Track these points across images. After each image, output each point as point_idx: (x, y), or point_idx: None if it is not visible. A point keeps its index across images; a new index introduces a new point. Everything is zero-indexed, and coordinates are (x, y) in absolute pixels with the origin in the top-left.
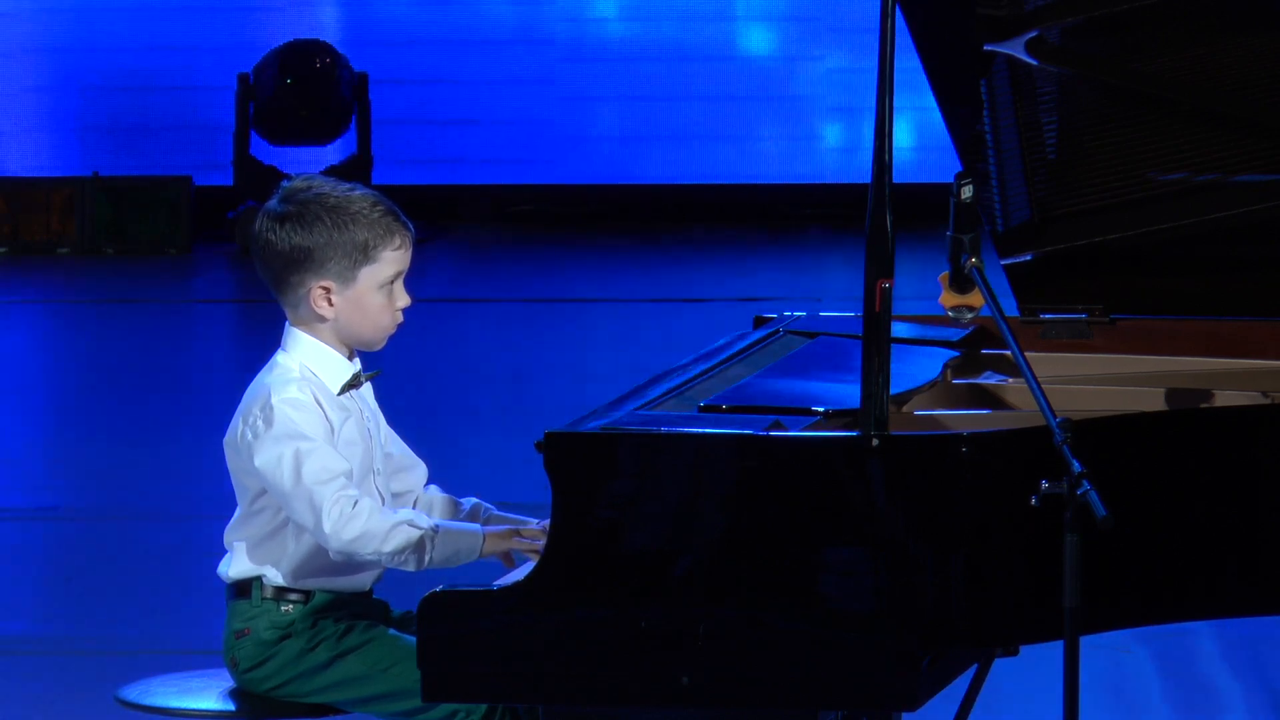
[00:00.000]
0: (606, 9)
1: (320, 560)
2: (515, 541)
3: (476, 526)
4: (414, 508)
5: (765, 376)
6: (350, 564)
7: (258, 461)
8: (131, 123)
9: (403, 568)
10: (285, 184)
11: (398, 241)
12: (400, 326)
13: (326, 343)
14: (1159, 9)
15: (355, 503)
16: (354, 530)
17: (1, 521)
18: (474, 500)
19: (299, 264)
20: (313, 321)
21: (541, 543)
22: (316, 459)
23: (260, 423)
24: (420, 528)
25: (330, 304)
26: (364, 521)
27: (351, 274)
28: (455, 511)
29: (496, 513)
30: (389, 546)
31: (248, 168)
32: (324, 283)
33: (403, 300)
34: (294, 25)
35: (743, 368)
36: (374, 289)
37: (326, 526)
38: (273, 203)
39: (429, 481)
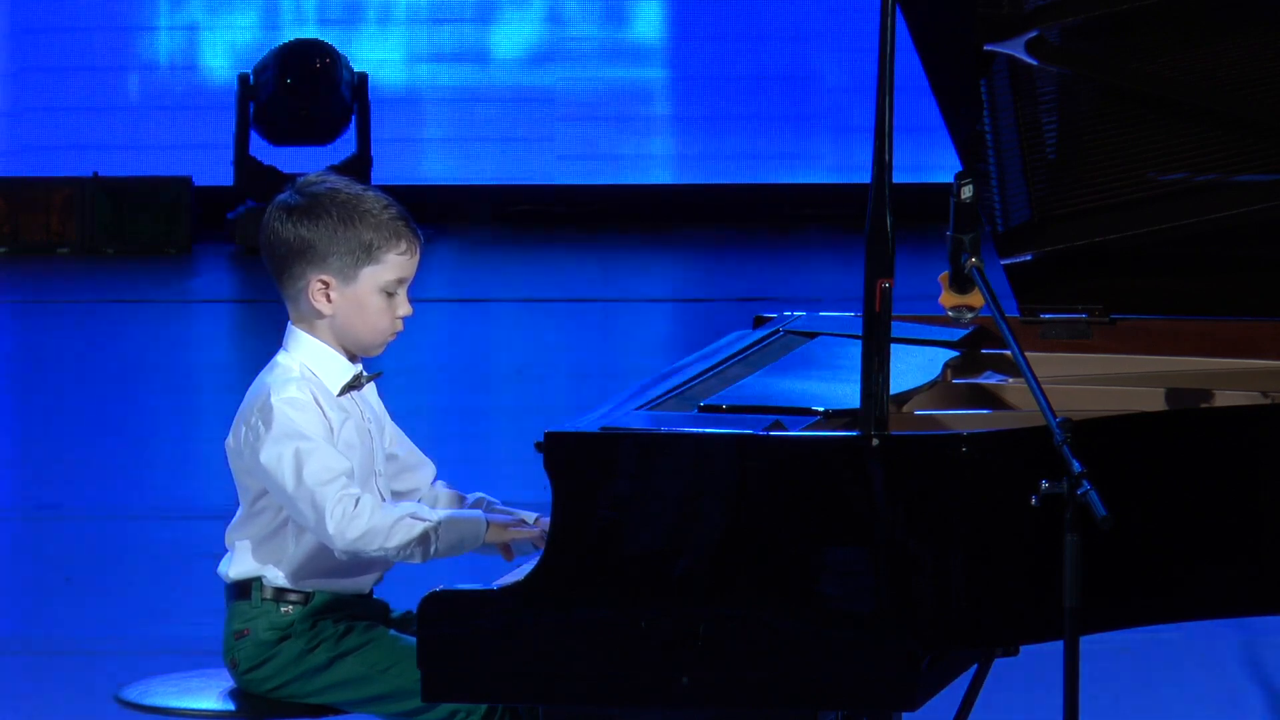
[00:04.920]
0: (606, 8)
1: (321, 561)
2: (515, 531)
3: (479, 513)
4: (419, 503)
5: (765, 376)
6: (352, 564)
7: (261, 459)
8: (131, 122)
9: (409, 561)
10: (300, 177)
11: (403, 246)
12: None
13: (327, 343)
14: (1159, 9)
15: (357, 501)
16: (357, 529)
17: (1, 521)
18: (478, 495)
19: (301, 255)
20: (312, 319)
21: (541, 529)
22: (317, 459)
23: (260, 423)
24: (423, 520)
25: (329, 300)
26: (367, 520)
27: (353, 272)
28: (460, 506)
29: (500, 505)
30: (393, 542)
31: (248, 168)
32: (323, 277)
33: (404, 309)
34: (294, 25)
35: (743, 368)
36: (374, 290)
37: (330, 527)
38: (284, 194)
39: (436, 479)
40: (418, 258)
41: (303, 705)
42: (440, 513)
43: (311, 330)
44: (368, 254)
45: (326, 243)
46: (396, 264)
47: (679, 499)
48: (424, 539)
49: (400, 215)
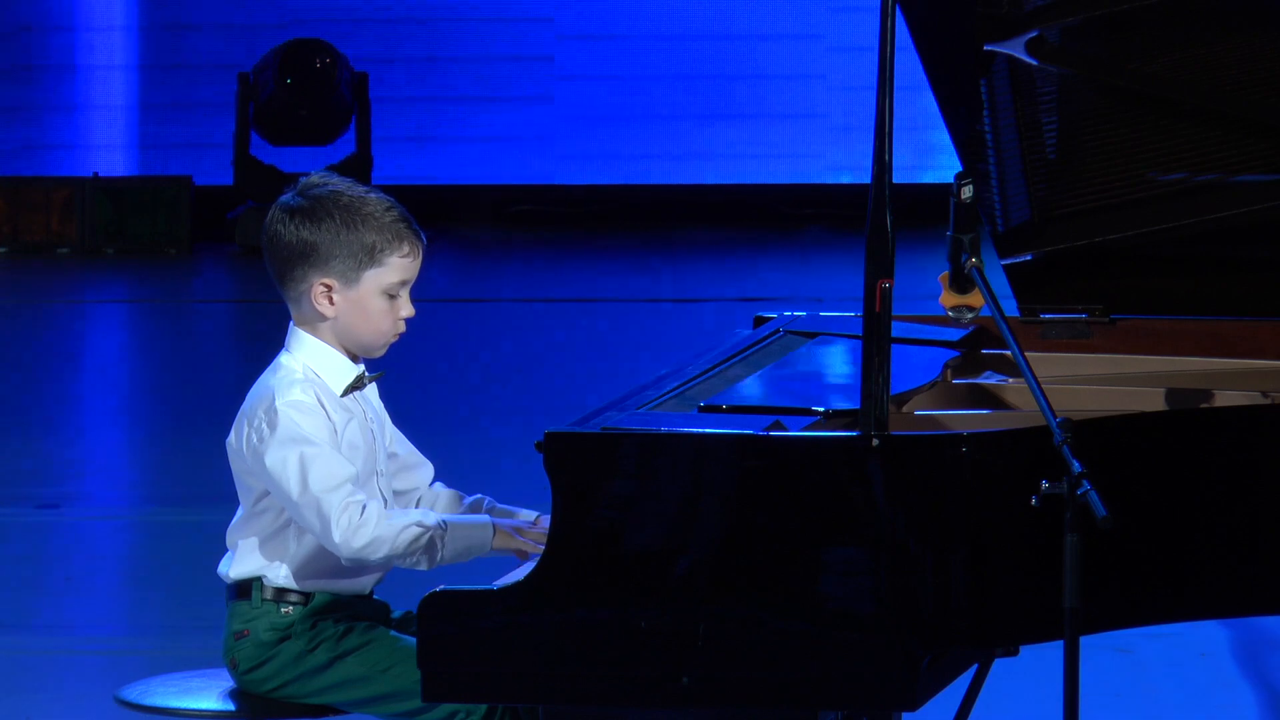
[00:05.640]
0: (605, 11)
1: (322, 561)
2: (522, 541)
3: (485, 518)
4: (418, 505)
5: (765, 376)
6: (358, 567)
7: (265, 463)
8: (131, 121)
9: (415, 568)
10: (303, 179)
11: (406, 249)
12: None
13: (329, 344)
14: (1159, 9)
15: (363, 509)
16: (364, 537)
17: (1, 521)
18: (478, 496)
19: (304, 258)
20: (314, 320)
21: (543, 531)
22: (322, 465)
23: (265, 426)
24: (429, 527)
25: (331, 302)
26: (373, 528)
27: (355, 274)
28: (459, 507)
29: (500, 506)
30: (399, 550)
31: (248, 168)
32: (326, 280)
33: (406, 310)
34: (295, 25)
35: (743, 368)
36: (377, 293)
37: (336, 535)
38: (287, 196)
39: (434, 479)
40: (420, 259)
41: (303, 705)
42: (448, 518)
43: (314, 331)
44: (370, 257)
45: (329, 245)
46: (399, 266)
47: (679, 499)
48: (430, 547)
49: (402, 217)
